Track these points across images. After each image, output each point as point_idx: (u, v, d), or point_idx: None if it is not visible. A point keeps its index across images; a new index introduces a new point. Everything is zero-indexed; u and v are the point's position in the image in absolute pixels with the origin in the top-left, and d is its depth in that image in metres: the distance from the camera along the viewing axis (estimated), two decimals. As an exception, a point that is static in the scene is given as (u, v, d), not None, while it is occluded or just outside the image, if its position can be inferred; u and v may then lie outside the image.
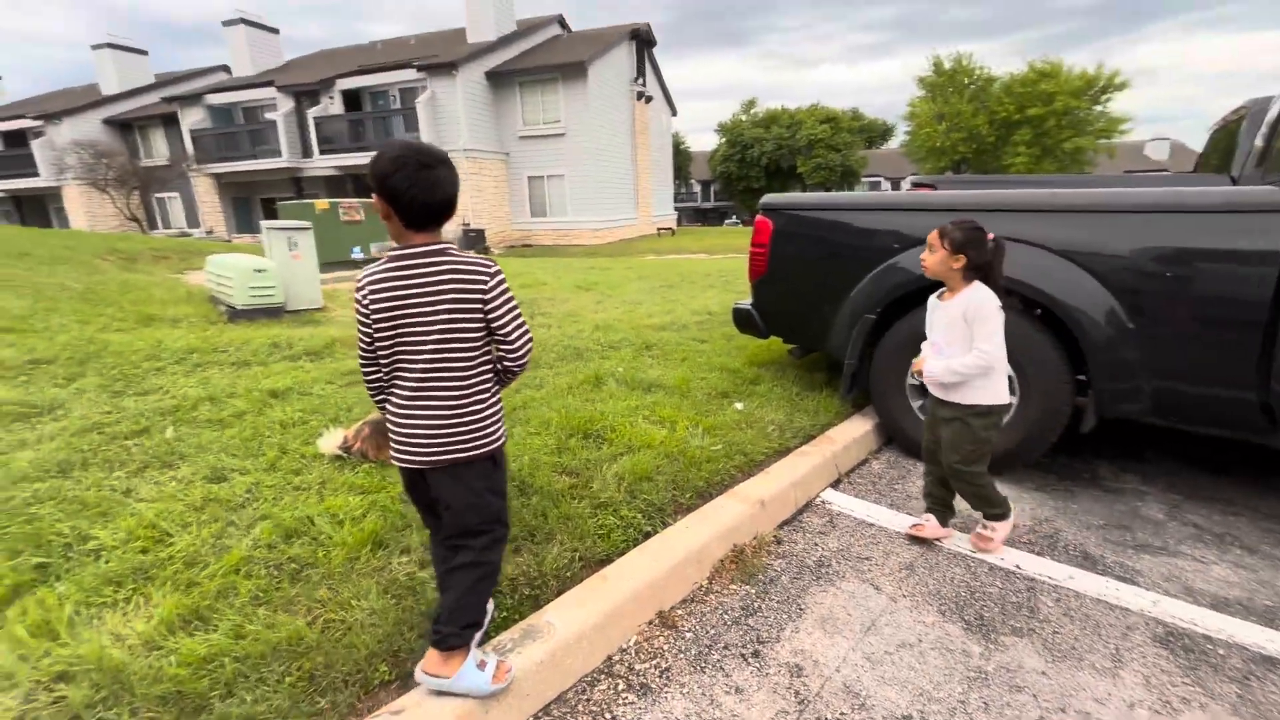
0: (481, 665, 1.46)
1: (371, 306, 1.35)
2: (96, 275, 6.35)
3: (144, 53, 27.60)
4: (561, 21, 24.83)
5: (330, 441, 2.57)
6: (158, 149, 25.01)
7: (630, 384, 3.71)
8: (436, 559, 1.59)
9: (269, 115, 21.68)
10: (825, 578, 2.19)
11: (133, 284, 6.05)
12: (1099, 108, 30.46)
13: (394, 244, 1.38)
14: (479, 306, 1.38)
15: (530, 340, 1.48)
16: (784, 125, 40.89)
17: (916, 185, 5.69)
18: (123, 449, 2.55)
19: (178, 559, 1.85)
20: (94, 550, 1.87)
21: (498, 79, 20.46)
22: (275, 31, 26.10)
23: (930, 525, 2.45)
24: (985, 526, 2.38)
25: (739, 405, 3.47)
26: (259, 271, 5.49)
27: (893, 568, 2.26)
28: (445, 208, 1.36)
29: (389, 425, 1.44)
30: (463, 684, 1.42)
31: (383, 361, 1.42)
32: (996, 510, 2.33)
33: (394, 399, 1.43)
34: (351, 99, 21.43)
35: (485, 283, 1.38)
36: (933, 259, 2.11)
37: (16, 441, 2.54)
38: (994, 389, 2.13)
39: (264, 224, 6.01)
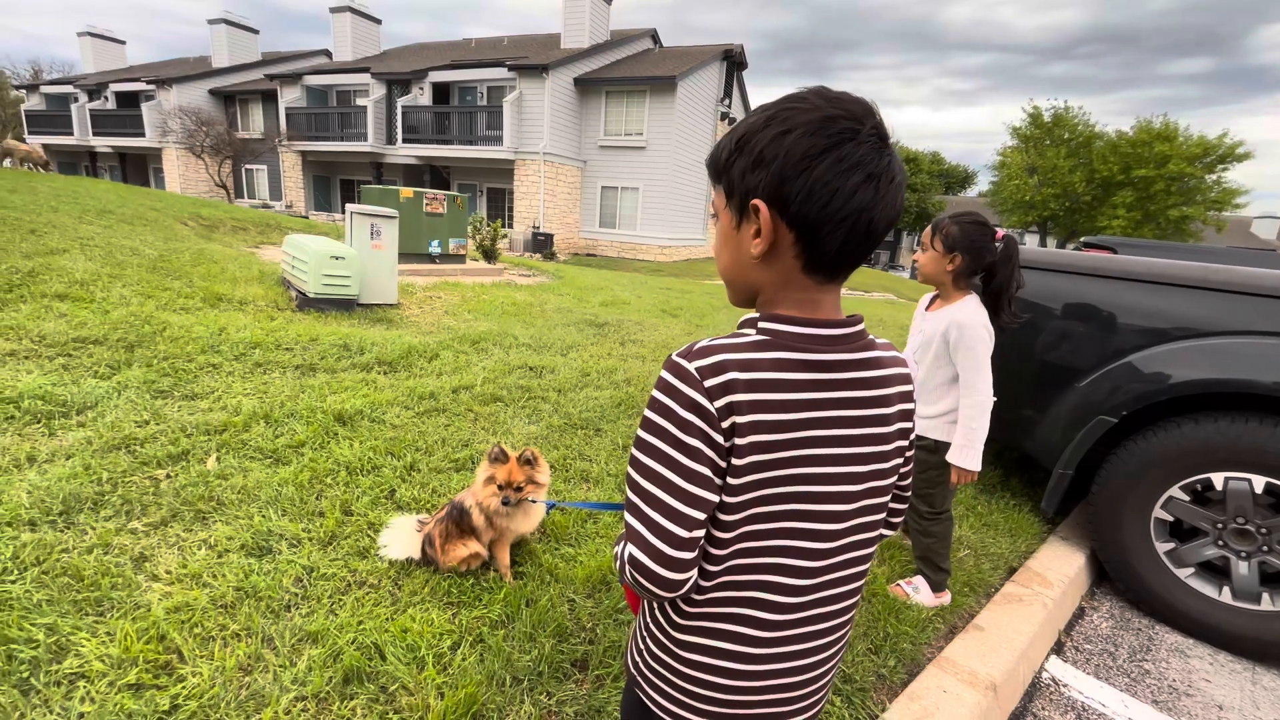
0: None
1: (737, 425, 0.62)
2: (173, 242, 6.05)
3: (255, 31, 28.84)
4: (654, 36, 24.56)
5: (399, 543, 1.82)
6: (254, 123, 25.98)
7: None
8: None
9: (360, 100, 22.14)
10: None
11: (207, 255, 5.70)
12: (1212, 176, 28.26)
13: (756, 309, 0.69)
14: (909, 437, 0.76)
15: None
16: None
17: (1088, 246, 4.81)
18: (150, 484, 1.97)
19: None
20: (68, 679, 1.25)
21: (585, 85, 20.25)
22: (378, 22, 26.80)
23: None
24: None
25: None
26: (336, 259, 5.02)
27: None
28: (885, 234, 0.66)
29: (715, 671, 0.71)
30: None
31: (725, 538, 0.67)
32: None
33: (744, 620, 0.70)
34: (441, 92, 21.62)
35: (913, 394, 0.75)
36: (925, 258, 1.76)
37: (27, 454, 1.99)
38: None
39: (349, 207, 5.57)
